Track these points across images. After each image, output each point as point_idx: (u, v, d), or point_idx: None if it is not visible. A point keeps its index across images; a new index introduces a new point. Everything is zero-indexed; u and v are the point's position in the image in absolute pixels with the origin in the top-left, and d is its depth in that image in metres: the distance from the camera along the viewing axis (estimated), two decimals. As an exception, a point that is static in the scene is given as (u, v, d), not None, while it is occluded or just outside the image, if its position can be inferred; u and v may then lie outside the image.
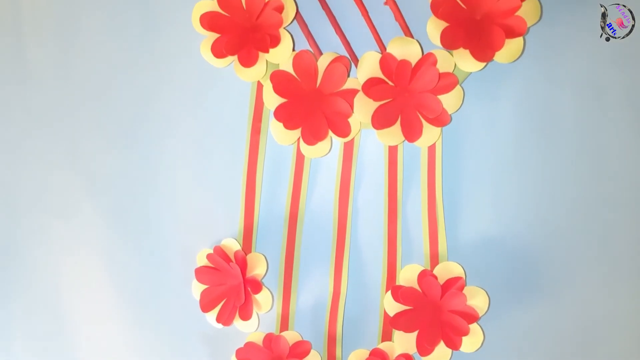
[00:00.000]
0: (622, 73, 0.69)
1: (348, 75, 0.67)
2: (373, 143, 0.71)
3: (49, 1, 0.75)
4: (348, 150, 0.72)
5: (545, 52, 0.69)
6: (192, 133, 0.75)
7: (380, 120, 0.66)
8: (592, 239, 0.72)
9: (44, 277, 0.79)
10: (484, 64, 0.64)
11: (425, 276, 0.69)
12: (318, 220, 0.74)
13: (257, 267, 0.72)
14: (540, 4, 0.64)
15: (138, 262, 0.77)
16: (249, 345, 0.73)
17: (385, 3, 0.68)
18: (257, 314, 0.73)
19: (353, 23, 0.69)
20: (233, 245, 0.72)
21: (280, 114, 0.67)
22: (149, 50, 0.74)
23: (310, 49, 0.69)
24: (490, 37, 0.63)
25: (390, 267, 0.73)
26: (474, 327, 0.69)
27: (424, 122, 0.66)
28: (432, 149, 0.70)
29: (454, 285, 0.68)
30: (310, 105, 0.67)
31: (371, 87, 0.65)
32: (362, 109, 0.66)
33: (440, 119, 0.66)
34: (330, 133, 0.68)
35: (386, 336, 0.73)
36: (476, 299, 0.69)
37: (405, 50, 0.65)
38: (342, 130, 0.68)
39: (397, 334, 0.70)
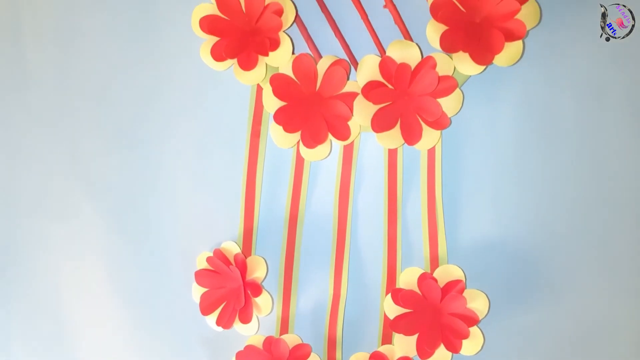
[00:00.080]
0: (622, 73, 0.69)
1: (348, 79, 0.67)
2: (373, 146, 0.71)
3: (48, 3, 0.75)
4: (348, 154, 0.72)
5: (544, 53, 0.69)
6: (192, 136, 0.75)
7: (379, 124, 0.66)
8: (592, 241, 0.72)
9: (44, 279, 0.79)
10: (484, 67, 0.64)
11: (425, 279, 0.69)
12: (318, 223, 0.74)
13: (257, 270, 0.72)
14: (540, 7, 0.64)
15: (138, 264, 0.77)
16: (249, 348, 0.73)
17: (385, 6, 0.68)
18: (257, 317, 0.73)
19: (352, 26, 0.69)
20: (233, 248, 0.72)
21: (280, 117, 0.67)
22: (149, 53, 0.74)
23: (310, 52, 0.69)
24: (490, 40, 0.63)
25: (390, 269, 0.73)
26: (474, 330, 0.69)
27: (424, 125, 0.66)
28: (431, 152, 0.70)
29: (454, 288, 0.68)
30: (309, 108, 0.67)
31: (371, 90, 0.65)
32: (362, 112, 0.66)
33: (439, 122, 0.66)
34: (330, 136, 0.68)
35: (386, 339, 0.73)
36: (476, 302, 0.69)
37: (405, 54, 0.65)
38: (342, 133, 0.68)
39: (397, 337, 0.70)
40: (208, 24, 0.67)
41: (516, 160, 0.71)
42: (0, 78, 0.77)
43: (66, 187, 0.77)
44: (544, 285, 0.73)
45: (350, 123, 0.67)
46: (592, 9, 0.69)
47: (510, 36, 0.63)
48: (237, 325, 0.73)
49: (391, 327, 0.69)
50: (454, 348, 0.68)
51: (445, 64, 0.65)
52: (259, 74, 0.68)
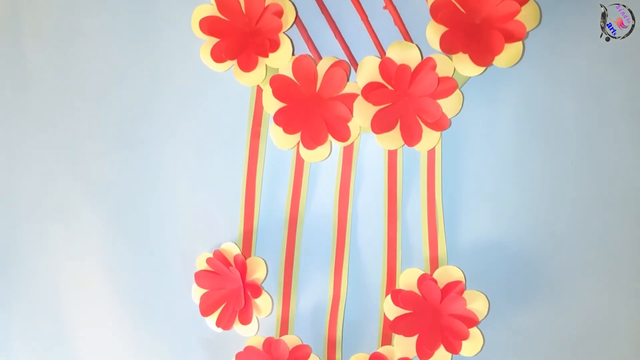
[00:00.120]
0: (622, 73, 0.69)
1: (347, 80, 0.67)
2: (373, 147, 0.71)
3: (48, 3, 0.75)
4: (348, 155, 0.72)
5: (544, 54, 0.69)
6: (191, 137, 0.75)
7: (379, 125, 0.66)
8: (592, 241, 0.72)
9: (44, 279, 0.79)
10: (484, 68, 0.64)
11: (425, 280, 0.69)
12: (318, 224, 0.74)
13: (257, 271, 0.72)
14: (540, 8, 0.64)
15: (138, 265, 0.77)
16: (249, 349, 0.73)
17: (385, 7, 0.68)
18: (257, 318, 0.73)
19: (352, 27, 0.69)
20: (233, 249, 0.72)
21: (280, 118, 0.67)
22: (149, 53, 0.74)
23: (310, 54, 0.69)
24: (490, 41, 0.63)
25: (390, 270, 0.73)
26: (473, 331, 0.69)
27: (424, 127, 0.66)
28: (431, 153, 0.70)
29: (454, 289, 0.68)
30: (309, 109, 0.67)
31: (371, 91, 0.65)
32: (362, 113, 0.66)
33: (439, 123, 0.66)
34: (330, 137, 0.68)
35: (386, 340, 0.73)
36: (476, 303, 0.69)
37: (405, 55, 0.65)
38: (342, 134, 0.68)
39: (397, 338, 0.70)
40: (208, 25, 0.67)
41: (516, 161, 0.71)
42: (0, 78, 0.77)
43: (66, 188, 0.77)
44: (544, 286, 0.73)
45: (350, 124, 0.67)
46: (592, 9, 0.69)
47: (510, 37, 0.63)
48: (237, 326, 0.73)
49: (391, 328, 0.69)
50: (453, 349, 0.68)
51: (445, 65, 0.65)
52: (259, 75, 0.68)
